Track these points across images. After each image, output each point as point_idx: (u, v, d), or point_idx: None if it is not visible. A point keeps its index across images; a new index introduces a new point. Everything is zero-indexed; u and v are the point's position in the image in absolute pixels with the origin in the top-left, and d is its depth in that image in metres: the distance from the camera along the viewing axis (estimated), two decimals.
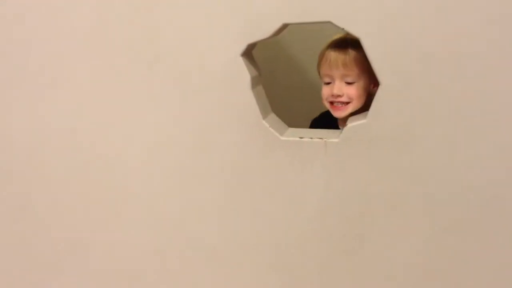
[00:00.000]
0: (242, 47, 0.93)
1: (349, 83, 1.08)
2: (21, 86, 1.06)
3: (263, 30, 0.92)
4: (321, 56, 1.13)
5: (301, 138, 0.96)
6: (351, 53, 1.06)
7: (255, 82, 0.98)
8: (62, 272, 1.18)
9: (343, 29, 0.88)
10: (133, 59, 0.99)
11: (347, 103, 1.09)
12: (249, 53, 0.98)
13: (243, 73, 0.95)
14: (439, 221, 0.95)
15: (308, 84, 1.84)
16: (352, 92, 1.07)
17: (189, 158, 1.03)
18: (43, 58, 1.03)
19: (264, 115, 0.99)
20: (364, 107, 1.08)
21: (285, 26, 0.92)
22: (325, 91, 1.11)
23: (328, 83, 1.10)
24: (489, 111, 0.88)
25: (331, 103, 1.12)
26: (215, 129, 1.00)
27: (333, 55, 1.08)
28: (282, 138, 0.97)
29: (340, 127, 1.21)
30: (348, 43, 1.07)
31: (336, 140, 0.94)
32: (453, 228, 0.95)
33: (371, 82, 1.10)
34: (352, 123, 0.94)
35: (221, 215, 1.06)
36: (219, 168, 1.02)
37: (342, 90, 1.07)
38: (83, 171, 1.09)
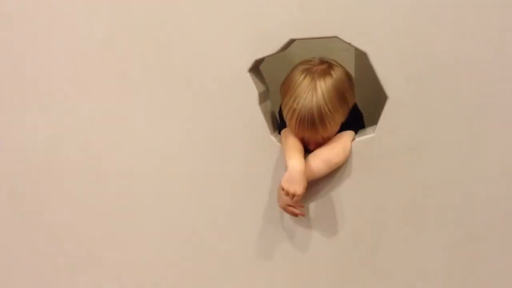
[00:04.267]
0: (250, 62, 0.94)
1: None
2: (35, 98, 1.06)
3: (270, 46, 0.92)
4: (287, 112, 0.94)
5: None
6: (322, 130, 0.92)
7: (262, 98, 0.98)
8: (76, 284, 1.17)
9: (349, 43, 0.89)
10: (145, 73, 1.00)
11: None
12: (256, 69, 0.99)
13: (250, 89, 0.96)
14: (454, 233, 0.94)
15: None
16: (329, 139, 0.96)
17: (201, 169, 1.03)
18: (57, 70, 1.04)
19: (272, 130, 0.99)
20: None
21: (292, 41, 0.93)
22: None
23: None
24: (502, 120, 0.87)
25: None
26: (226, 143, 1.00)
27: (305, 135, 0.94)
28: None
29: None
30: (314, 118, 0.90)
31: None
32: (468, 239, 0.94)
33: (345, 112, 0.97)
34: (360, 137, 0.94)
35: (233, 224, 1.05)
36: (230, 179, 1.02)
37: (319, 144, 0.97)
38: (95, 182, 1.09)
